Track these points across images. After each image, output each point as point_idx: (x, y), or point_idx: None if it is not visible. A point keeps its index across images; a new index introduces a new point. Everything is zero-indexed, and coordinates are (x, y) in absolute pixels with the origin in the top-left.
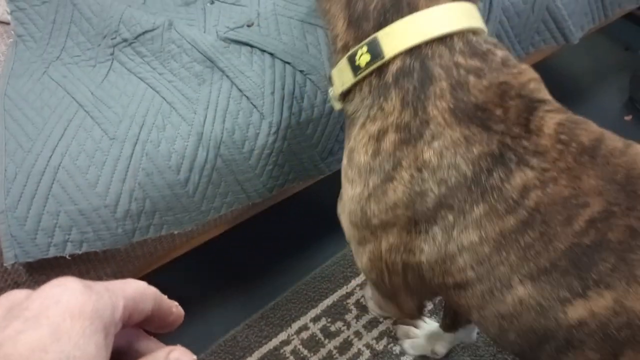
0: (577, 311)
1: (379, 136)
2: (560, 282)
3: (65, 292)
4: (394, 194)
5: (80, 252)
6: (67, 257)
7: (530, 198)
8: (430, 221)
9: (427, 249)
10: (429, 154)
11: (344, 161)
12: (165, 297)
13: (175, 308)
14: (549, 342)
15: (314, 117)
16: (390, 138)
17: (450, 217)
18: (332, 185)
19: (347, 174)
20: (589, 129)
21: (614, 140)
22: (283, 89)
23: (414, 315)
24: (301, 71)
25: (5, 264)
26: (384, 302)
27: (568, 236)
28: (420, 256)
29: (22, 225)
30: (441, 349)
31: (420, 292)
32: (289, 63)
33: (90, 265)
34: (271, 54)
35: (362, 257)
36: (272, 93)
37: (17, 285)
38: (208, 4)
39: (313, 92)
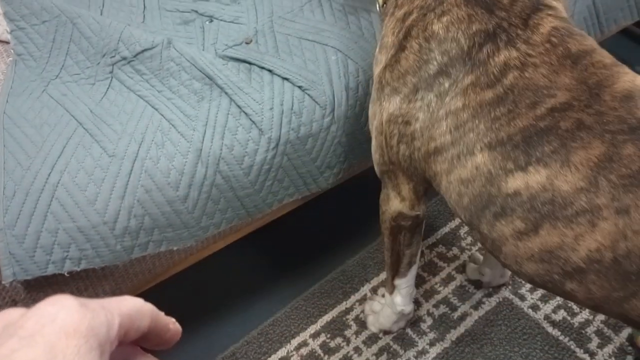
0: (515, 182)
1: (405, 17)
2: (509, 155)
3: (61, 310)
4: (405, 62)
5: (78, 269)
6: (66, 274)
7: (508, 77)
8: (428, 88)
9: (422, 116)
10: (437, 27)
11: (376, 51)
12: (162, 313)
13: (172, 325)
14: (489, 208)
15: (313, 132)
16: (413, 16)
17: (446, 84)
18: (330, 201)
19: (377, 58)
20: (582, 42)
21: (603, 57)
22: (282, 104)
23: (413, 202)
24: (300, 87)
25: (3, 282)
26: (387, 191)
27: (529, 118)
28: (415, 124)
29: (20, 243)
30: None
31: (411, 174)
32: (287, 79)
33: (88, 282)
34: (269, 71)
35: (372, 140)
36: (271, 109)
37: (15, 303)
38: (207, 23)
39: (312, 107)
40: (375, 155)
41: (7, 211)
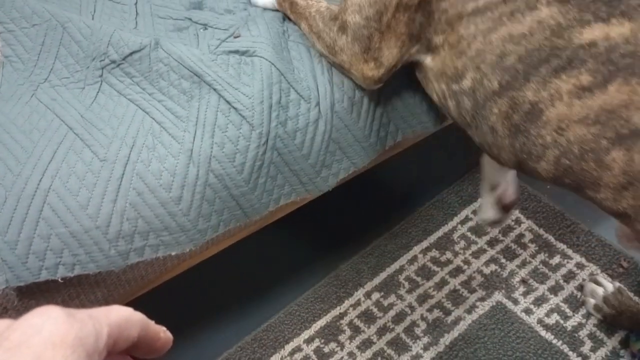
0: (593, 32)
1: None
2: (588, 7)
3: (47, 321)
4: None
5: (72, 275)
6: (59, 280)
7: None
8: None
9: None
10: None
11: None
12: (153, 322)
13: (163, 333)
14: (550, 62)
15: (300, 126)
16: None
17: None
18: (323, 206)
19: None
20: None
21: None
22: (270, 97)
23: (388, 71)
24: (284, 77)
25: None
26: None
27: None
28: None
29: (13, 250)
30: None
31: (416, 34)
32: (274, 64)
33: (80, 289)
34: (260, 58)
35: None
36: (261, 102)
37: (6, 310)
38: (201, 30)
39: (297, 100)
40: (366, 10)
41: None
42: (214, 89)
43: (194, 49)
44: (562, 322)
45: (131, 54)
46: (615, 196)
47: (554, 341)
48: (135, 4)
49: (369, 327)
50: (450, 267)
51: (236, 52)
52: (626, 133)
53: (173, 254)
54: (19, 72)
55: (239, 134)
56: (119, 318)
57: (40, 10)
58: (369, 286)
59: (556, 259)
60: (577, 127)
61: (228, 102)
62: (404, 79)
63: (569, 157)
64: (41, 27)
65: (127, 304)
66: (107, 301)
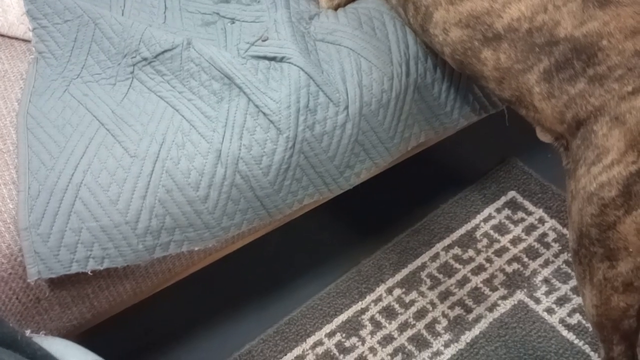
0: None
1: None
2: None
3: None
4: None
5: (102, 268)
6: (89, 273)
7: None
8: None
9: None
10: None
11: None
12: None
13: None
14: None
15: (328, 129)
16: None
17: None
18: (346, 201)
19: None
20: None
21: None
22: (298, 101)
23: None
24: (313, 79)
25: (28, 280)
26: None
27: None
28: None
29: (45, 242)
30: None
31: None
32: (302, 69)
33: (110, 281)
34: (289, 64)
35: None
36: (288, 107)
37: (38, 300)
38: (228, 24)
39: (325, 104)
40: None
41: (32, 210)
42: (244, 92)
43: (225, 51)
44: (584, 322)
45: (163, 52)
46: (499, 87)
47: (576, 341)
48: None
49: (390, 323)
50: (473, 264)
51: (265, 57)
52: (490, 36)
53: (196, 249)
54: (52, 68)
55: (266, 137)
56: None
57: (73, 6)
58: (390, 282)
59: None
60: (455, 29)
61: (257, 105)
62: (429, 81)
63: (458, 54)
64: (73, 23)
65: (154, 296)
66: (135, 293)
